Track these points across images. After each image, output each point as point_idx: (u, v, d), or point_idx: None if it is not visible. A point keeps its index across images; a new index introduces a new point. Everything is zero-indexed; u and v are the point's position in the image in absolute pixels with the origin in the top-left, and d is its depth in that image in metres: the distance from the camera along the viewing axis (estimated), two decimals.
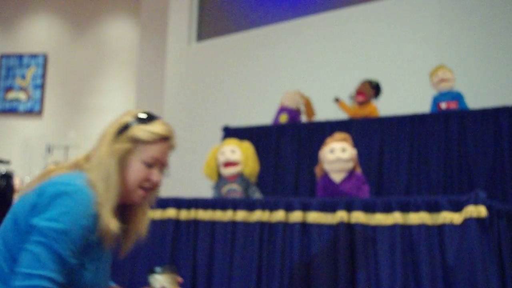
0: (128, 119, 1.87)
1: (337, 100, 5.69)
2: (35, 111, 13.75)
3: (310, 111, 5.92)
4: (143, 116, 1.91)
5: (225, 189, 4.19)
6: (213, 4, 9.37)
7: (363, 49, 7.04)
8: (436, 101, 4.99)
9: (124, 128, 1.84)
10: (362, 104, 5.49)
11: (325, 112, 6.02)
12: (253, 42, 8.35)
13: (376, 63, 6.70)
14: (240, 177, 4.20)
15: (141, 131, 1.85)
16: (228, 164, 4.19)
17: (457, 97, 4.90)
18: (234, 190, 4.14)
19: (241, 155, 4.20)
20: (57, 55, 13.86)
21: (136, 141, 1.84)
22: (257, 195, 4.18)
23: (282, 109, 5.79)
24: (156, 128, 1.90)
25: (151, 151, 1.87)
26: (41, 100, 13.78)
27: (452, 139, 4.48)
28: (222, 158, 4.21)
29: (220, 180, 4.28)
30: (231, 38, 8.72)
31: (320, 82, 7.23)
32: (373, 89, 5.52)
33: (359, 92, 5.53)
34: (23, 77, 13.85)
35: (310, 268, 3.18)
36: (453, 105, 4.85)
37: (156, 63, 11.32)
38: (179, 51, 9.42)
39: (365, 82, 5.58)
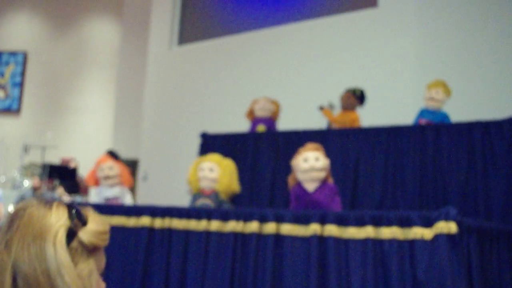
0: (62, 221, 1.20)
1: (321, 108, 5.73)
2: (13, 110, 13.62)
3: (276, 114, 5.99)
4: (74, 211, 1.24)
5: (198, 202, 4.24)
6: (195, 9, 9.37)
7: (342, 58, 7.10)
8: (419, 115, 5.04)
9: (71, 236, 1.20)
10: (345, 110, 5.56)
11: (304, 119, 6.06)
12: (234, 48, 8.37)
13: (355, 72, 6.76)
14: (214, 194, 4.25)
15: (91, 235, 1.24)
16: (204, 178, 4.26)
17: (441, 118, 4.95)
18: (206, 205, 4.17)
19: (219, 173, 4.23)
20: (37, 53, 13.74)
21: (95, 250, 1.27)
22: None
23: (258, 121, 5.81)
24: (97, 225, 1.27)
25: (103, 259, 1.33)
26: (20, 99, 13.65)
27: (427, 152, 4.53)
28: (200, 174, 4.27)
29: (197, 193, 4.34)
30: (213, 43, 8.74)
31: (298, 89, 7.27)
32: (357, 99, 5.59)
33: (342, 99, 5.63)
34: (2, 74, 13.70)
35: (282, 280, 3.20)
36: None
37: (137, 65, 11.28)
38: (160, 54, 9.41)
39: (348, 91, 5.65)
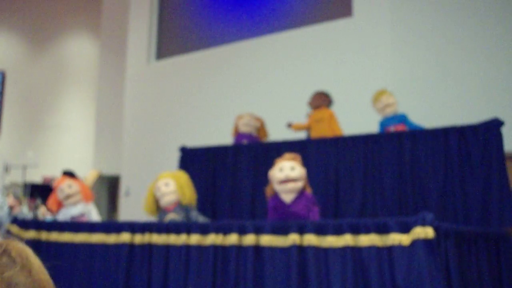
0: None
1: (289, 125, 5.77)
2: None
3: (263, 132, 5.99)
4: None
5: (166, 219, 4.25)
6: (172, 23, 9.39)
7: (318, 67, 7.15)
8: (383, 125, 5.12)
9: None
10: (318, 108, 5.60)
11: (282, 131, 6.08)
12: (212, 61, 8.40)
13: (331, 81, 6.81)
14: (178, 206, 4.32)
15: None
16: (163, 195, 4.34)
17: (402, 119, 5.07)
18: (173, 219, 4.21)
19: (175, 186, 4.31)
20: (15, 72, 13.66)
21: None
22: (201, 218, 4.25)
23: (241, 136, 5.82)
24: None
25: None
26: None
27: (405, 159, 4.57)
28: (158, 193, 4.34)
29: (161, 212, 4.39)
30: (190, 57, 8.76)
31: (276, 100, 7.31)
32: (325, 96, 5.66)
33: (312, 100, 5.67)
34: None
35: None
36: (401, 127, 4.99)
37: (116, 81, 11.27)
38: (139, 69, 9.41)
39: (316, 92, 5.71)
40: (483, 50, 6.31)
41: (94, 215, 4.91)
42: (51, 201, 5.06)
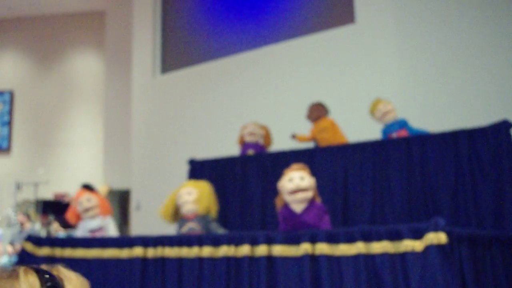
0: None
1: (293, 136, 5.78)
2: (3, 148, 13.59)
3: (268, 140, 6.00)
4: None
5: (185, 228, 4.27)
6: (176, 37, 9.43)
7: (323, 75, 7.16)
8: (386, 133, 5.11)
9: None
10: (318, 119, 5.61)
11: (287, 140, 6.09)
12: (217, 72, 8.43)
13: (336, 89, 6.81)
14: (198, 216, 4.31)
15: None
16: (184, 204, 4.34)
17: (404, 124, 5.07)
18: (192, 228, 4.22)
19: (197, 195, 4.32)
20: (23, 91, 13.76)
21: None
22: (220, 230, 4.25)
23: (247, 146, 5.83)
24: None
25: None
26: (9, 137, 13.63)
27: (414, 164, 4.54)
28: (180, 201, 4.36)
29: (181, 220, 4.38)
30: (195, 69, 8.79)
31: (282, 109, 7.31)
32: (322, 107, 5.69)
33: (310, 113, 5.69)
34: None
35: None
36: (403, 133, 4.98)
37: (122, 96, 11.32)
38: (144, 83, 9.45)
39: (312, 103, 5.74)
40: (488, 54, 6.29)
41: (112, 228, 4.94)
42: (70, 213, 5.08)
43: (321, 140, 5.52)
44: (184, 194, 4.33)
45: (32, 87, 13.76)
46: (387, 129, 5.10)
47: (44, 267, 1.08)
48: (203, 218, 4.28)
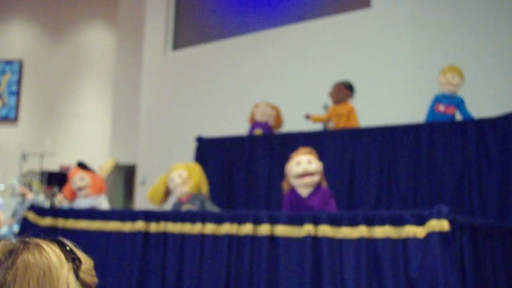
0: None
1: (307, 117, 5.74)
2: (10, 118, 13.63)
3: (278, 121, 5.99)
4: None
5: (182, 210, 4.28)
6: (189, 13, 9.39)
7: (337, 59, 7.11)
8: (436, 101, 4.96)
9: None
10: (339, 103, 5.55)
11: (298, 122, 6.08)
12: (229, 51, 8.39)
13: (350, 72, 6.77)
14: (192, 197, 4.34)
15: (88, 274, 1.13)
16: (177, 186, 4.37)
17: (458, 102, 4.89)
18: (190, 209, 4.22)
19: (188, 177, 4.36)
20: (32, 61, 13.76)
21: None
22: (214, 208, 4.28)
23: (256, 125, 5.83)
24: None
25: None
26: (17, 107, 13.66)
27: (422, 151, 4.54)
28: (172, 185, 4.38)
29: (176, 203, 4.43)
30: (207, 47, 8.75)
31: (294, 91, 7.29)
32: (347, 89, 5.59)
33: (333, 93, 5.62)
34: None
35: (277, 281, 3.21)
36: (451, 110, 4.83)
37: (133, 71, 11.30)
38: (155, 59, 9.42)
39: (338, 83, 5.66)
40: (504, 41, 6.24)
41: (104, 207, 4.96)
42: (66, 190, 5.14)
43: (336, 123, 5.49)
44: (175, 177, 4.35)
45: (42, 58, 13.76)
46: (439, 98, 4.95)
47: (65, 242, 1.09)
48: (197, 198, 4.31)
